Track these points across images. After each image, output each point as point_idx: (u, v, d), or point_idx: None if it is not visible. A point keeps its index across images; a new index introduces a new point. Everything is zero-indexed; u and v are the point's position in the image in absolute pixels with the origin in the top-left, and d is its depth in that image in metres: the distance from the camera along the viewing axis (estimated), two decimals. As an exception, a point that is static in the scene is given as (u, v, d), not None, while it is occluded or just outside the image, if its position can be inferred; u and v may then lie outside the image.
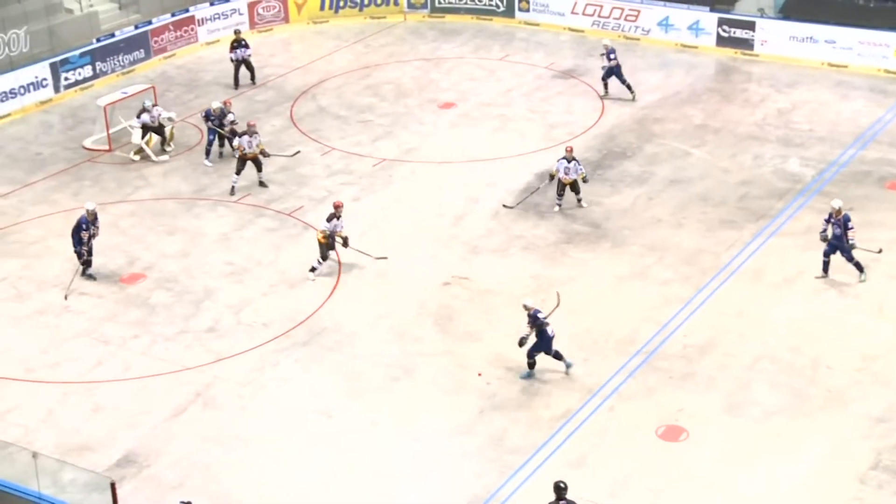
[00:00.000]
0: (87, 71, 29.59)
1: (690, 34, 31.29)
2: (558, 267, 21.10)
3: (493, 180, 24.37)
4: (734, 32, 30.77)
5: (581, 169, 22.57)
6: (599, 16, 32.27)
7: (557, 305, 18.16)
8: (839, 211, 19.82)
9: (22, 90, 28.30)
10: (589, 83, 29.08)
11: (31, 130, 27.63)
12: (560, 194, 22.80)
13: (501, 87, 29.35)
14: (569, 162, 22.43)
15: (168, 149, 25.99)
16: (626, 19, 32.00)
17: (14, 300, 20.58)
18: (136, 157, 25.74)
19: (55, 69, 28.90)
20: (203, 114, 25.90)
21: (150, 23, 31.16)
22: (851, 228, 19.77)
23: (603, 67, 27.97)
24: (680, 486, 15.79)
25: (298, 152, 25.57)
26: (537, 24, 33.07)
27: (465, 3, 33.90)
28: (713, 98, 28.31)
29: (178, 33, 31.69)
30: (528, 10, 33.27)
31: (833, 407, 17.18)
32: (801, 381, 17.75)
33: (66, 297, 20.27)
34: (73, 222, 20.93)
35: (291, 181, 24.62)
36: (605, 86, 28.17)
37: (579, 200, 22.90)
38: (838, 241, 19.89)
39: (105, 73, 29.97)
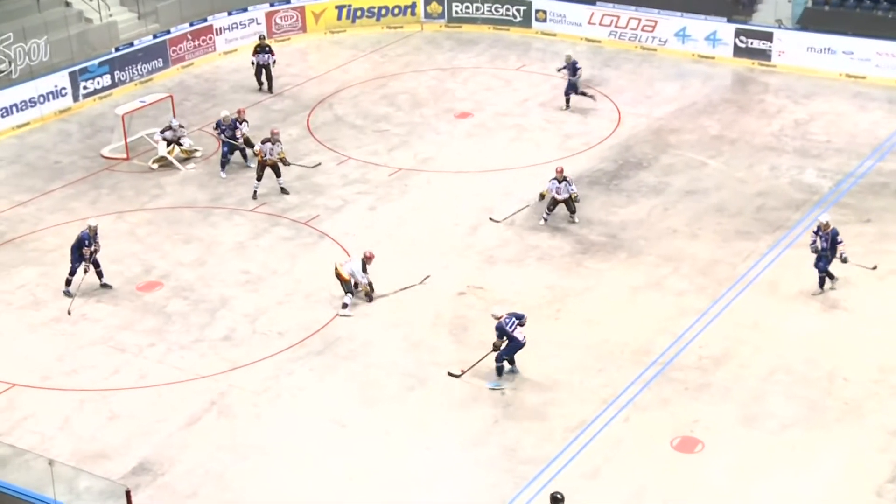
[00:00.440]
0: (105, 80, 29.79)
1: (707, 45, 31.25)
2: (573, 277, 21.07)
3: (508, 190, 24.36)
4: (751, 43, 30.71)
5: (573, 189, 22.48)
6: (616, 26, 32.29)
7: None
8: (827, 225, 19.72)
9: (41, 99, 28.52)
10: (605, 93, 29.07)
11: (50, 139, 27.81)
12: (550, 209, 22.70)
13: (517, 97, 29.36)
14: (559, 182, 22.39)
15: (196, 155, 26.19)
16: (643, 30, 31.98)
17: (31, 307, 20.68)
18: (155, 166, 25.87)
19: (74, 78, 29.10)
20: (215, 125, 26.03)
21: (168, 32, 31.36)
22: (841, 242, 19.67)
23: (567, 78, 27.74)
24: (695, 498, 15.72)
25: (319, 164, 25.64)
26: (554, 35, 33.07)
27: (482, 14, 33.96)
28: (730, 109, 28.25)
29: (196, 43, 31.86)
30: (544, 21, 33.30)
31: (849, 419, 17.09)
32: (817, 393, 17.66)
33: (69, 313, 20.32)
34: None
35: (307, 190, 24.67)
36: (567, 101, 28.04)
37: (572, 214, 22.72)
38: (823, 253, 19.83)
39: (123, 83, 30.17)
